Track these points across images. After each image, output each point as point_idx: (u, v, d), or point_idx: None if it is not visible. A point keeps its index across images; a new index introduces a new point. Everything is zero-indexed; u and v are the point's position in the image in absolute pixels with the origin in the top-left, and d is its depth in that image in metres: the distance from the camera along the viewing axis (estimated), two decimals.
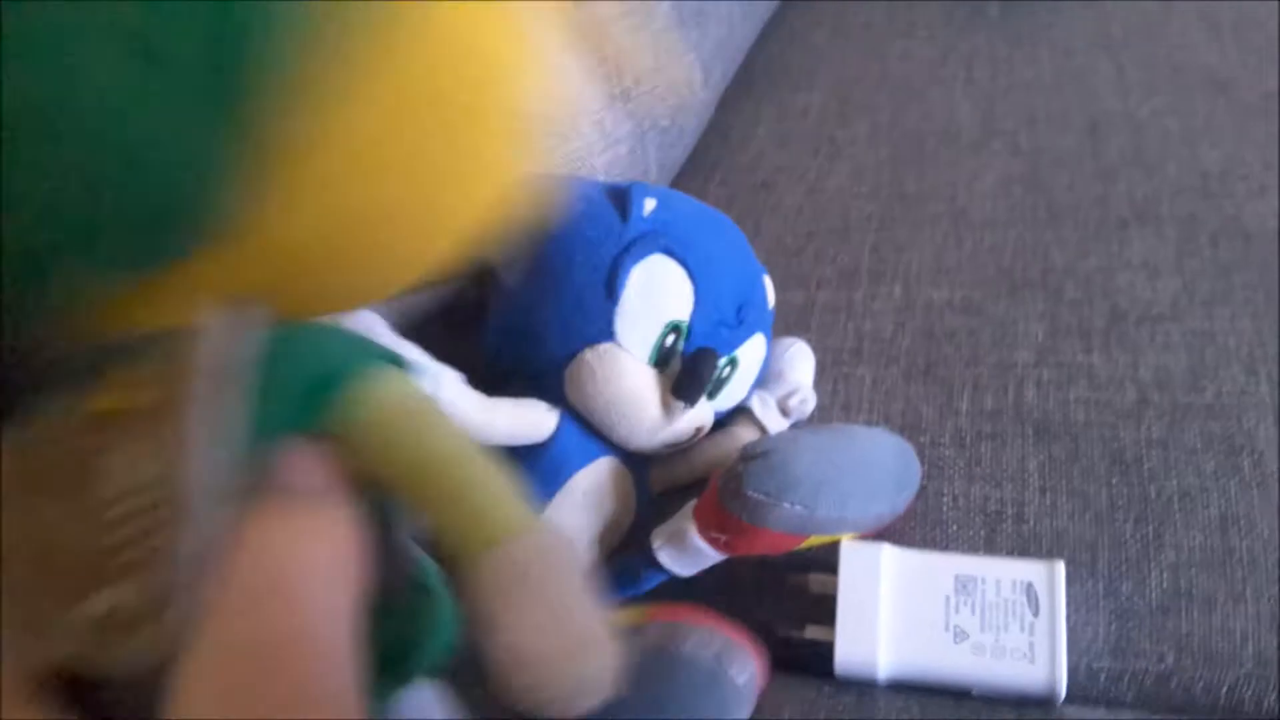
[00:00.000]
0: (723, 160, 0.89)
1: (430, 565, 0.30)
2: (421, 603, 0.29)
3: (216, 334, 0.23)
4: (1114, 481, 0.52)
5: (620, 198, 0.48)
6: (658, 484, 0.54)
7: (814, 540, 0.47)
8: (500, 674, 0.25)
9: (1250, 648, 0.45)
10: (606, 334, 0.46)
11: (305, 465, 0.25)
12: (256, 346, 0.24)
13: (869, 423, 0.59)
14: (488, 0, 0.25)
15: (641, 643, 0.41)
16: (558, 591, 0.26)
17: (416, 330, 0.49)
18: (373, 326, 0.45)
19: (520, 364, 0.50)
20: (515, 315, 0.49)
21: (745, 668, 0.41)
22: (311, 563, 0.22)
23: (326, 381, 0.25)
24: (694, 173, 0.88)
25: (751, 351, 0.51)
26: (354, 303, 0.27)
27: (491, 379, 0.50)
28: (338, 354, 0.26)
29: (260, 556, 0.21)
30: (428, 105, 0.24)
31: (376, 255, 0.25)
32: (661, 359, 0.47)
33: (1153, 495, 0.51)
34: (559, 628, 0.25)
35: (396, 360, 0.28)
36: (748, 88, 1.00)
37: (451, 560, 0.27)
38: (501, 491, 0.27)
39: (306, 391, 0.25)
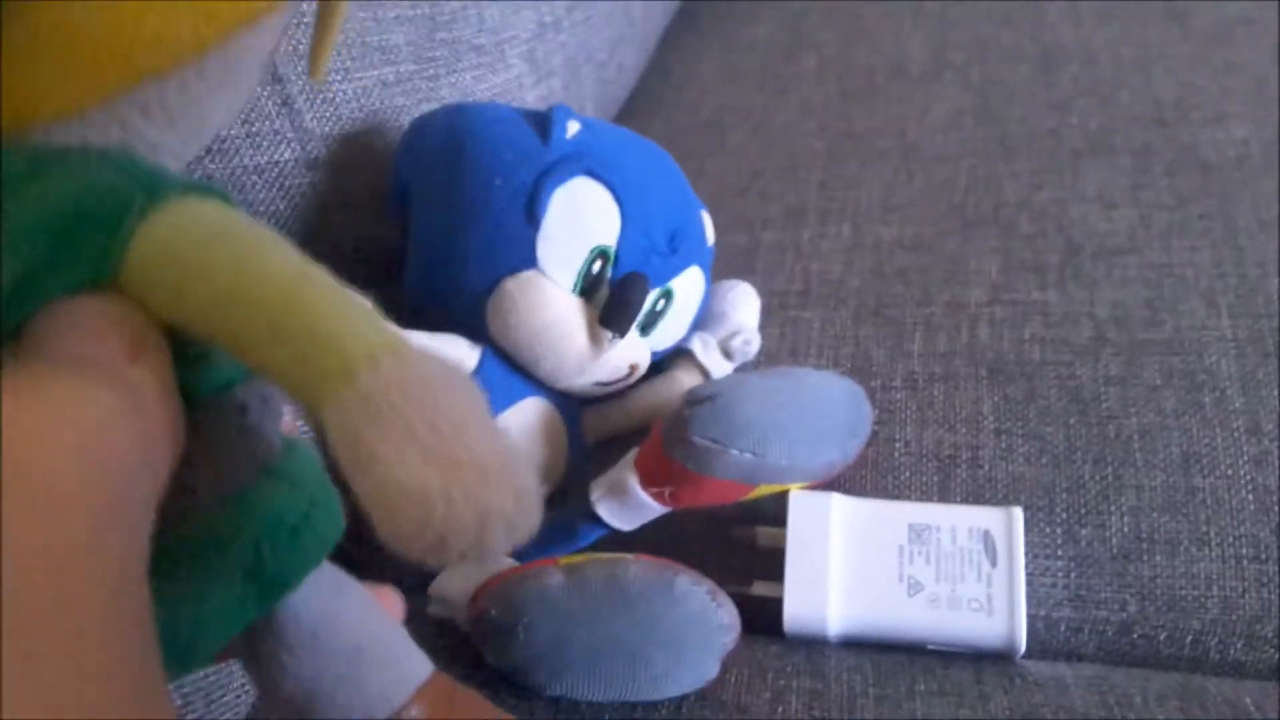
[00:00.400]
0: (666, 98, 0.85)
1: (297, 447, 0.25)
2: (276, 493, 0.24)
3: None
4: (1071, 422, 0.49)
5: (541, 121, 0.44)
6: (593, 433, 0.50)
7: (762, 490, 0.44)
8: (379, 523, 0.18)
9: (1215, 592, 0.43)
10: (528, 261, 0.42)
11: (79, 326, 0.19)
12: None
13: (818, 367, 0.55)
14: None
15: (632, 571, 0.40)
16: (438, 413, 0.19)
17: (328, 266, 0.45)
18: None
19: (441, 299, 0.45)
20: (433, 246, 0.45)
21: (730, 612, 0.41)
22: (66, 447, 0.16)
23: (103, 216, 0.19)
24: (635, 111, 0.84)
25: (687, 285, 0.47)
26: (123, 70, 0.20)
27: (413, 319, 0.46)
28: (115, 182, 0.20)
29: None
30: None
31: None
32: (588, 287, 0.43)
33: (1111, 435, 0.48)
34: (443, 451, 0.18)
35: (199, 188, 0.21)
36: (693, 23, 0.96)
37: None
38: (349, 317, 0.19)
39: (75, 232, 0.19)
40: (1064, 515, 0.46)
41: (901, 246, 0.62)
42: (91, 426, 0.17)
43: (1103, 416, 0.49)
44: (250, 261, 0.20)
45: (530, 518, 0.19)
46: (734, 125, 0.77)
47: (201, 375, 0.22)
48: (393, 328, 0.20)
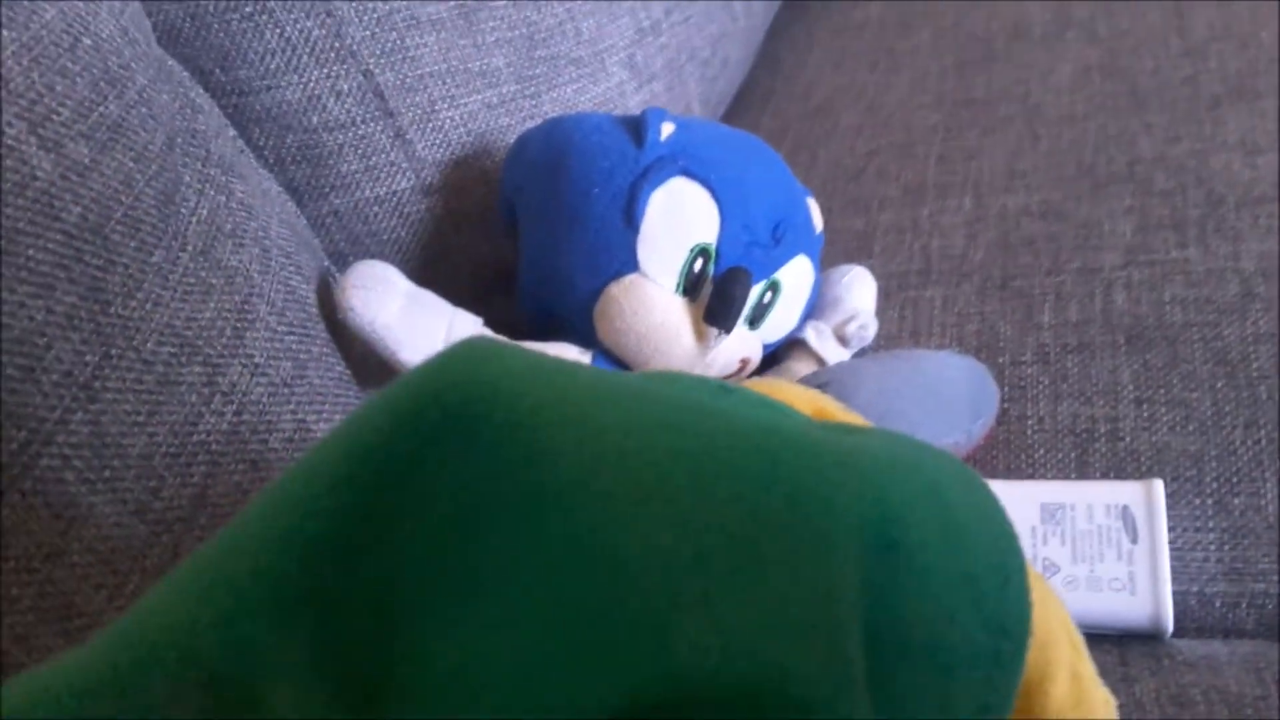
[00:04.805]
0: (776, 89, 0.84)
1: None
2: None
3: None
4: (1219, 385, 0.46)
5: (635, 125, 0.45)
6: None
7: None
8: None
9: None
10: (630, 265, 0.43)
11: None
12: None
13: (940, 347, 0.54)
14: None
15: None
16: None
17: (444, 287, 0.47)
18: (387, 275, 0.43)
19: (550, 308, 0.47)
20: (539, 258, 0.47)
21: None
22: None
23: None
24: (744, 106, 0.83)
25: (795, 275, 0.47)
26: None
27: (527, 329, 0.48)
28: None
29: None
30: None
31: None
32: (691, 286, 0.44)
33: (1263, 396, 0.45)
34: None
35: None
36: (800, 11, 0.95)
37: None
38: None
39: None
40: (1214, 485, 0.44)
41: (1028, 214, 0.60)
42: None
43: (1253, 377, 0.46)
44: None
45: None
46: (846, 108, 0.76)
47: None
48: None
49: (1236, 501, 0.43)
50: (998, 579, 0.20)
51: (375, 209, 0.53)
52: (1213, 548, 0.42)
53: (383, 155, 0.52)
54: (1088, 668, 0.25)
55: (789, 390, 0.27)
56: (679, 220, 0.43)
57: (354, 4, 0.49)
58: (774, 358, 0.50)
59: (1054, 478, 0.47)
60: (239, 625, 0.17)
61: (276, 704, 0.16)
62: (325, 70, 0.49)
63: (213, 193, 0.38)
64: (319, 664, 0.16)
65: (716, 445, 0.19)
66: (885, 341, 0.54)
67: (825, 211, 0.52)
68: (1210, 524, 0.43)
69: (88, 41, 0.32)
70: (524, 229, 0.48)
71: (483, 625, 0.16)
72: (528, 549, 0.17)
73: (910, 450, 0.21)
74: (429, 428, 0.18)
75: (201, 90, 0.44)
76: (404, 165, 0.52)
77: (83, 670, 0.17)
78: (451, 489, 0.17)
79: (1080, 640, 0.25)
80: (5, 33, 0.29)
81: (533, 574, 0.17)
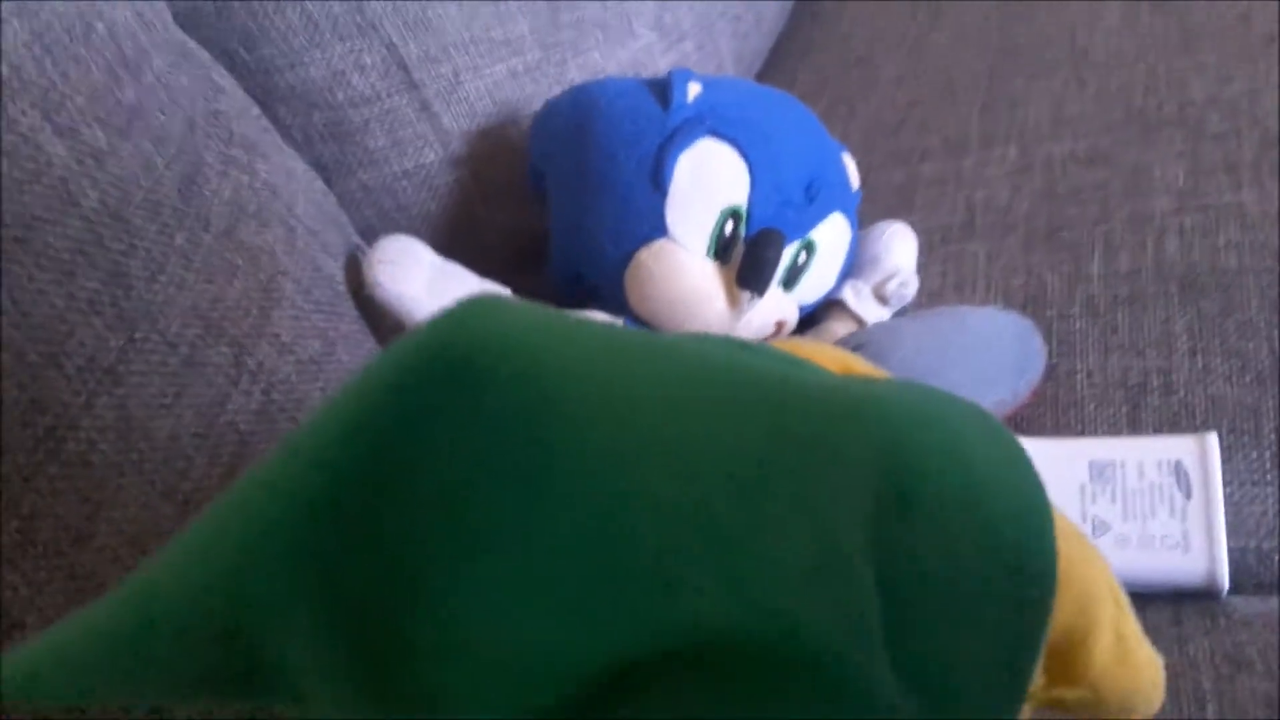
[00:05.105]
0: (813, 42, 0.82)
1: None
2: None
3: None
4: (1276, 334, 0.44)
5: (660, 88, 0.44)
6: None
7: None
8: None
9: None
10: (659, 230, 0.42)
11: None
12: None
13: (986, 302, 0.53)
14: None
15: None
16: None
17: (474, 259, 0.47)
18: (413, 249, 0.43)
19: (581, 278, 0.46)
20: (568, 225, 0.46)
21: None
22: None
23: None
24: (780, 61, 0.82)
25: (830, 234, 0.46)
26: None
27: (557, 298, 0.48)
28: None
29: None
30: None
31: None
32: (722, 249, 0.43)
33: None
34: None
35: None
36: None
37: None
38: None
39: None
40: (1273, 437, 0.42)
41: (1075, 161, 0.58)
42: None
43: None
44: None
45: None
46: (886, 58, 0.74)
47: None
48: None
49: None
50: (1018, 529, 0.20)
51: (404, 183, 0.53)
52: (1271, 501, 0.41)
53: (409, 128, 0.52)
54: (1132, 627, 0.24)
55: (814, 348, 0.26)
56: (708, 182, 0.42)
57: None
58: (812, 319, 0.49)
59: (1105, 433, 0.45)
60: (247, 581, 0.17)
61: (289, 659, 0.16)
62: (348, 45, 0.49)
63: (235, 173, 0.38)
64: (331, 620, 0.16)
65: (724, 396, 0.19)
66: (928, 299, 0.53)
67: (864, 166, 0.51)
68: (1268, 477, 0.41)
69: (101, 28, 0.32)
70: (553, 197, 0.47)
71: (489, 579, 0.16)
72: (534, 502, 0.16)
73: (930, 400, 0.21)
74: (434, 382, 0.17)
75: (224, 71, 0.43)
76: (430, 138, 0.52)
77: (95, 628, 0.17)
78: (458, 442, 0.17)
79: (1125, 599, 0.24)
80: (15, 22, 0.29)
81: (539, 527, 0.16)
